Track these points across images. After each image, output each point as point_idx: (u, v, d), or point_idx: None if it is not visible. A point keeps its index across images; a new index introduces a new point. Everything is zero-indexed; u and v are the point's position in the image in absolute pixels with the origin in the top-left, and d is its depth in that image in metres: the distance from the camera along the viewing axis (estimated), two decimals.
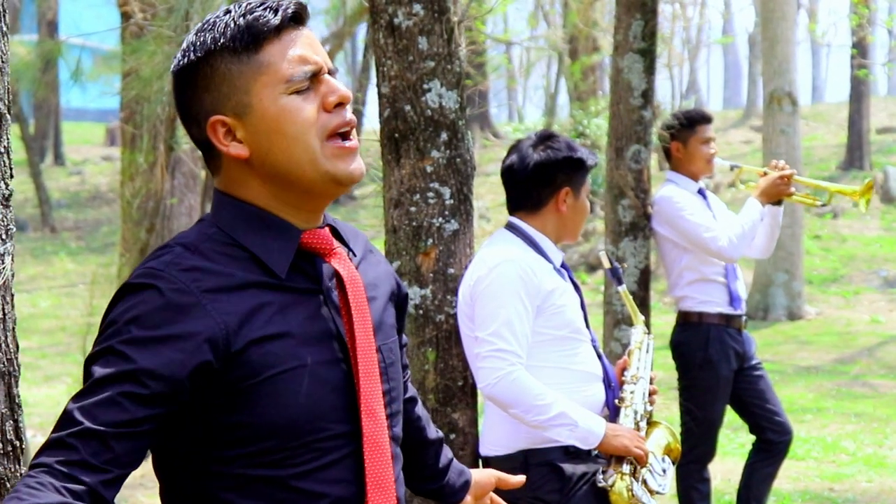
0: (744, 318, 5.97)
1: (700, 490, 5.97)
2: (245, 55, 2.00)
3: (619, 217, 5.91)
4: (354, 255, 2.18)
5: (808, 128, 26.76)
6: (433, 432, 2.58)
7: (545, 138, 4.20)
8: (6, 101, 2.40)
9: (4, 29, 2.39)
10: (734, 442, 9.06)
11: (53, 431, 1.83)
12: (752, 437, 6.14)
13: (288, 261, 2.02)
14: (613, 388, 4.07)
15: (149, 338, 1.88)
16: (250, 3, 2.02)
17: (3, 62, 2.39)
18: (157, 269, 1.94)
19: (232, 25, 2.00)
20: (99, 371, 1.86)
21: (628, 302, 4.32)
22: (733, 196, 18.57)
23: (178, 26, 6.37)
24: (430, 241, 4.18)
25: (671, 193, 5.91)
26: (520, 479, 2.73)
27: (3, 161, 2.39)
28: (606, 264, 4.27)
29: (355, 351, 2.05)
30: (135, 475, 8.79)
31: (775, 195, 5.77)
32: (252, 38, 1.99)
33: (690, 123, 6.05)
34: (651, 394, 4.10)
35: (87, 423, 1.81)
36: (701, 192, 6.03)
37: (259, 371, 1.94)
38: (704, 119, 6.10)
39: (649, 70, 5.88)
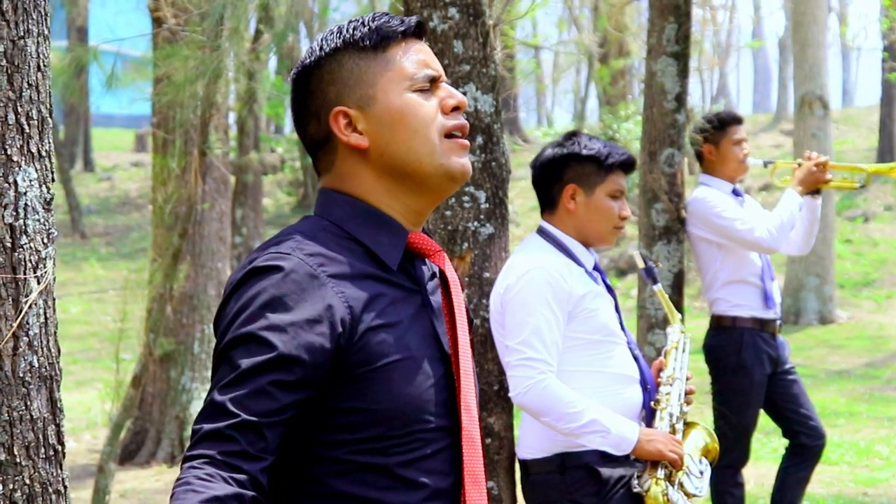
0: (778, 322, 5.94)
1: (734, 494, 5.94)
2: (372, 52, 2.14)
3: (653, 221, 5.89)
4: None
5: (839, 131, 26.60)
6: None
7: (566, 137, 4.17)
8: (48, 105, 2.41)
9: (46, 32, 2.40)
10: (767, 446, 9.02)
11: (204, 422, 1.91)
12: (786, 442, 6.11)
13: (399, 255, 2.11)
14: (650, 389, 4.03)
15: (287, 322, 1.95)
16: (377, 14, 2.17)
17: (45, 66, 2.40)
18: (284, 253, 2.01)
19: (362, 28, 2.15)
20: (244, 361, 1.93)
21: (664, 301, 4.26)
22: (764, 200, 18.48)
23: (212, 31, 6.39)
24: (466, 244, 4.18)
25: (704, 194, 5.89)
26: None
27: (46, 165, 2.39)
28: (641, 264, 4.22)
29: (457, 348, 2.14)
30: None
31: (812, 183, 5.76)
32: (381, 38, 2.14)
33: (722, 125, 6.03)
34: (688, 393, 4.04)
35: (243, 415, 1.89)
36: (735, 192, 6.00)
37: (373, 359, 2.01)
38: (735, 120, 6.08)
39: (683, 73, 5.85)
